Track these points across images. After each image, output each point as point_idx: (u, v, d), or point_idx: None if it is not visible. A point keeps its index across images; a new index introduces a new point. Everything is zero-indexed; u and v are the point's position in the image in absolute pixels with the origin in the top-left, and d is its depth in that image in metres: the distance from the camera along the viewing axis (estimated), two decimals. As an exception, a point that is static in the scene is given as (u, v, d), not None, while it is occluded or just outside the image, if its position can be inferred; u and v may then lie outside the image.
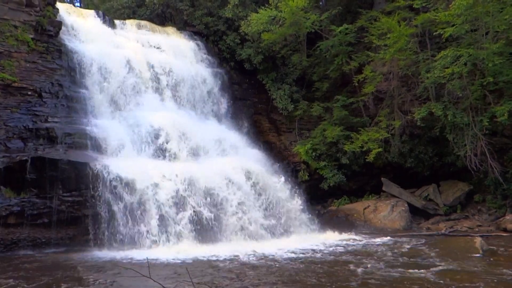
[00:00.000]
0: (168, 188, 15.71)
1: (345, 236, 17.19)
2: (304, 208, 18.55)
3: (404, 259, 12.57)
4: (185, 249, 14.08)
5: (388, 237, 16.60)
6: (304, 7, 21.23)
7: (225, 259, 12.86)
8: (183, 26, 24.08)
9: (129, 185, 15.20)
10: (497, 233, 16.98)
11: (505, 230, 17.12)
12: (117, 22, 21.93)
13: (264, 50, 22.64)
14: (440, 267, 11.41)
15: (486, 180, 19.11)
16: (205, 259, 12.88)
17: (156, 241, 14.73)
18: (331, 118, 21.53)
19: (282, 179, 18.48)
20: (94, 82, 18.02)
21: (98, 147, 16.44)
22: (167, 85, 20.16)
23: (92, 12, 21.63)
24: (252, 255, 13.37)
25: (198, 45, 23.11)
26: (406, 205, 19.89)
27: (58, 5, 18.61)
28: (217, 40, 23.70)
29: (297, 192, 18.77)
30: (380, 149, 19.63)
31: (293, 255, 13.52)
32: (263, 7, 22.20)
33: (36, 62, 16.51)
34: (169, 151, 17.66)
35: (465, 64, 16.74)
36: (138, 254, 13.50)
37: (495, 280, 10.05)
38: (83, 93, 17.56)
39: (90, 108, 17.52)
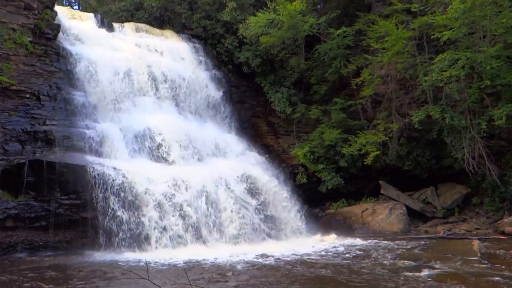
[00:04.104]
0: (165, 191, 15.72)
1: (343, 239, 17.16)
2: (302, 211, 18.56)
3: (402, 262, 12.55)
4: (183, 252, 14.08)
5: (386, 240, 16.59)
6: (302, 11, 21.30)
7: (224, 261, 12.83)
8: (181, 29, 24.12)
9: (127, 188, 15.20)
10: (495, 236, 16.98)
11: (503, 233, 17.13)
12: (115, 25, 21.97)
13: (262, 53, 22.67)
14: (438, 270, 11.40)
15: (484, 182, 19.14)
16: (204, 261, 12.83)
17: (154, 243, 14.72)
18: (329, 121, 21.56)
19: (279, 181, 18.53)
20: (92, 85, 18.03)
21: (96, 150, 16.45)
22: (165, 88, 20.16)
23: (90, 15, 21.71)
24: (250, 257, 13.35)
25: (196, 48, 23.14)
26: (404, 208, 19.89)
27: (57, 8, 18.67)
28: (215, 43, 23.74)
29: (295, 195, 18.78)
30: (378, 152, 19.68)
31: (291, 258, 13.50)
32: (261, 10, 22.27)
33: (35, 65, 16.53)
34: (167, 154, 17.66)
35: (463, 67, 16.81)
36: (136, 256, 13.52)
37: (493, 283, 10.06)
38: (81, 96, 17.58)
39: (88, 111, 17.53)
